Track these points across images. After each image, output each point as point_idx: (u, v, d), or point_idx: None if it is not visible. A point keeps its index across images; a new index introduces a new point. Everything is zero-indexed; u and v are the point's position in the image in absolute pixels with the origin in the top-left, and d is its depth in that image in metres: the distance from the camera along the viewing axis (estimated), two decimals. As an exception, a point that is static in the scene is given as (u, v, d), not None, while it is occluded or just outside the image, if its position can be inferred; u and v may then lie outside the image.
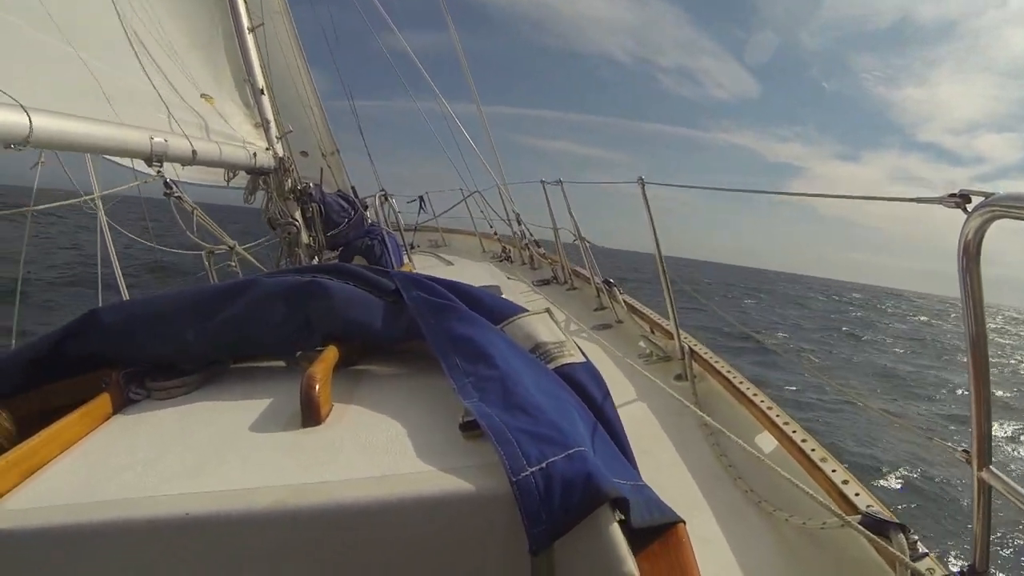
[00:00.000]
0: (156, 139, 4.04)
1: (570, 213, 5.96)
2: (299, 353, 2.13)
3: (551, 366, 1.76)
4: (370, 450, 1.47)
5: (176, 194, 4.16)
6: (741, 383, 3.41)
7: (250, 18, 6.42)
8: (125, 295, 6.54)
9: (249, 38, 6.28)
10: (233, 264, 4.68)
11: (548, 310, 2.10)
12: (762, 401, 3.14)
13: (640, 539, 1.25)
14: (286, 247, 5.91)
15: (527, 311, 2.04)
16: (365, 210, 7.55)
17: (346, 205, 7.06)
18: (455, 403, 1.60)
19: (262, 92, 6.12)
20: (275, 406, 1.81)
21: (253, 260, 5.09)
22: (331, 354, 1.90)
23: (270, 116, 6.10)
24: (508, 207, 7.93)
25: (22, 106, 3.05)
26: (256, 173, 5.68)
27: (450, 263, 7.98)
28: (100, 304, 4.14)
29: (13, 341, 5.13)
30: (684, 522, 1.33)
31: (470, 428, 1.46)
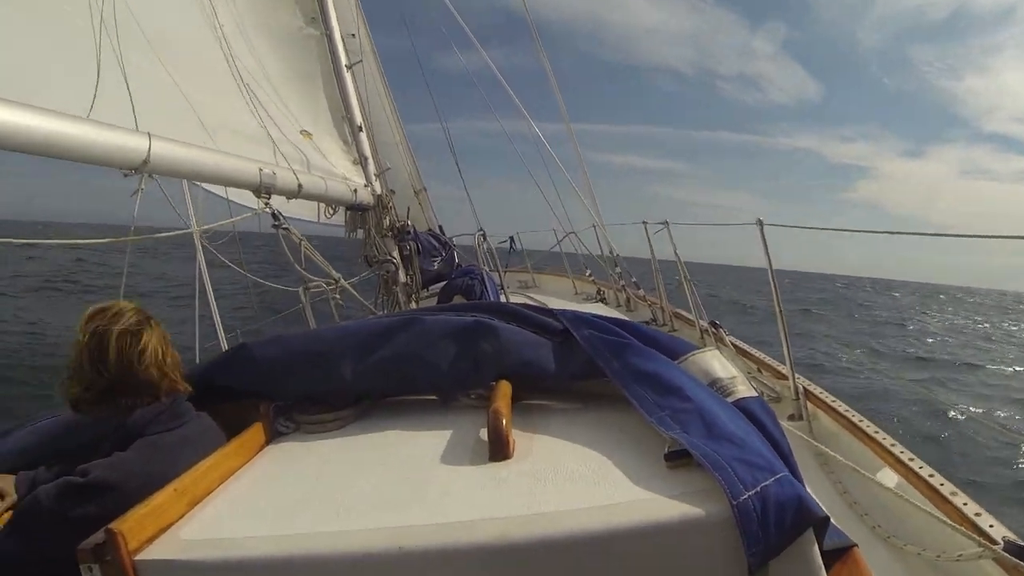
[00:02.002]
0: (265, 171, 3.92)
1: (676, 255, 5.63)
2: (473, 394, 2.10)
3: (729, 400, 1.79)
4: (576, 481, 1.48)
5: (284, 226, 4.02)
6: (860, 421, 3.32)
7: (348, 56, 6.38)
8: (220, 328, 6.42)
9: (347, 76, 6.23)
10: (337, 298, 4.51)
11: (717, 347, 2.05)
12: (884, 438, 3.06)
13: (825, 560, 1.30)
14: (383, 285, 5.72)
15: (699, 348, 2.03)
16: (454, 249, 7.42)
17: (437, 244, 6.94)
18: (646, 434, 1.65)
19: (360, 129, 6.06)
20: (451, 439, 1.83)
21: (357, 294, 4.91)
22: (506, 390, 1.90)
23: (368, 153, 6.03)
24: (605, 246, 7.60)
25: (147, 133, 2.98)
26: (356, 209, 5.55)
27: (543, 305, 7.61)
28: (196, 336, 4.07)
29: None
30: (857, 545, 1.42)
31: (676, 458, 1.48)
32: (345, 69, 6.23)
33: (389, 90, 9.18)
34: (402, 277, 5.77)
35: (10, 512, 1.99)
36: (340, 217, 6.07)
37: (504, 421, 1.67)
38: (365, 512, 1.44)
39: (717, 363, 1.94)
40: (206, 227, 6.12)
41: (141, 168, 2.95)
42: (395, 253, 5.79)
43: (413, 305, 5.78)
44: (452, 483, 1.54)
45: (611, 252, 7.52)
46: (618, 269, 7.30)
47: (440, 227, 8.95)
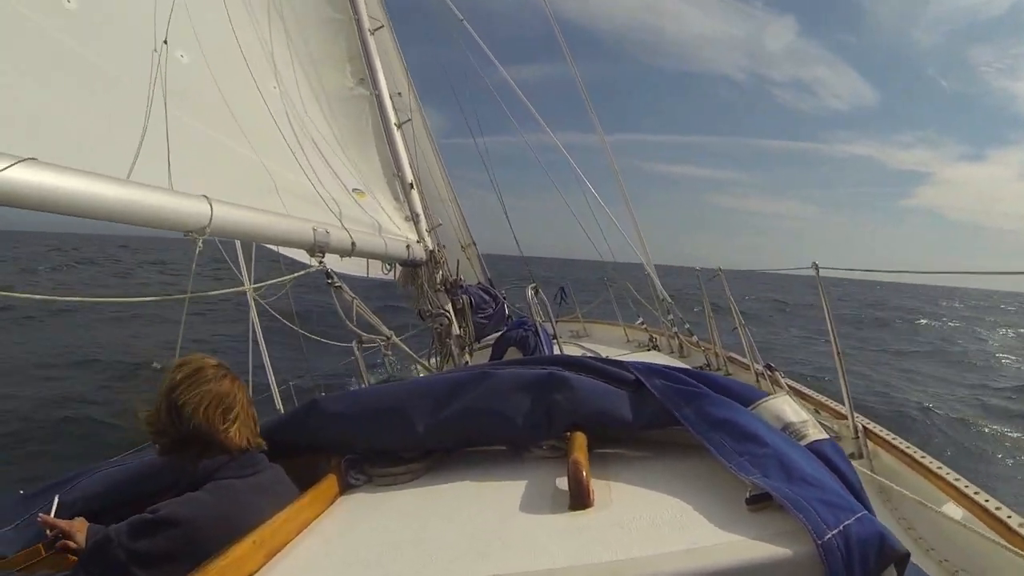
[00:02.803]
0: (319, 230, 3.97)
1: (731, 302, 5.54)
2: (546, 445, 2.12)
3: (802, 443, 1.81)
4: (660, 527, 1.50)
5: (336, 284, 4.05)
6: (923, 457, 3.28)
7: (397, 115, 6.50)
8: (273, 382, 6.45)
9: (397, 134, 6.34)
10: (389, 354, 4.53)
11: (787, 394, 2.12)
12: (947, 473, 3.01)
13: None
14: (437, 338, 5.74)
15: (770, 395, 2.05)
16: (504, 301, 7.41)
17: (488, 297, 6.95)
18: (724, 479, 1.68)
19: (412, 186, 6.13)
20: (527, 490, 1.85)
21: (408, 350, 4.93)
22: (582, 440, 1.91)
23: (419, 209, 6.09)
24: (656, 292, 7.50)
25: (206, 197, 3.05)
26: (409, 265, 5.58)
27: (596, 354, 7.59)
28: (249, 389, 4.11)
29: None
30: None
31: (757, 501, 1.51)
32: (395, 128, 6.35)
33: (436, 147, 9.32)
34: (456, 330, 5.76)
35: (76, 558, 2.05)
36: (392, 272, 6.13)
37: (584, 470, 1.69)
38: (450, 562, 1.45)
39: (788, 408, 1.97)
40: (260, 284, 6.21)
41: (202, 232, 3.01)
42: (448, 306, 5.80)
43: (467, 358, 5.76)
44: (534, 532, 1.55)
45: (663, 298, 7.40)
46: (670, 316, 7.17)
47: (489, 280, 8.96)
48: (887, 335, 31.63)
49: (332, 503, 1.96)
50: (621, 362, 2.18)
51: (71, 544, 1.99)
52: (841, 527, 1.33)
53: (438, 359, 5.88)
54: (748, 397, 2.01)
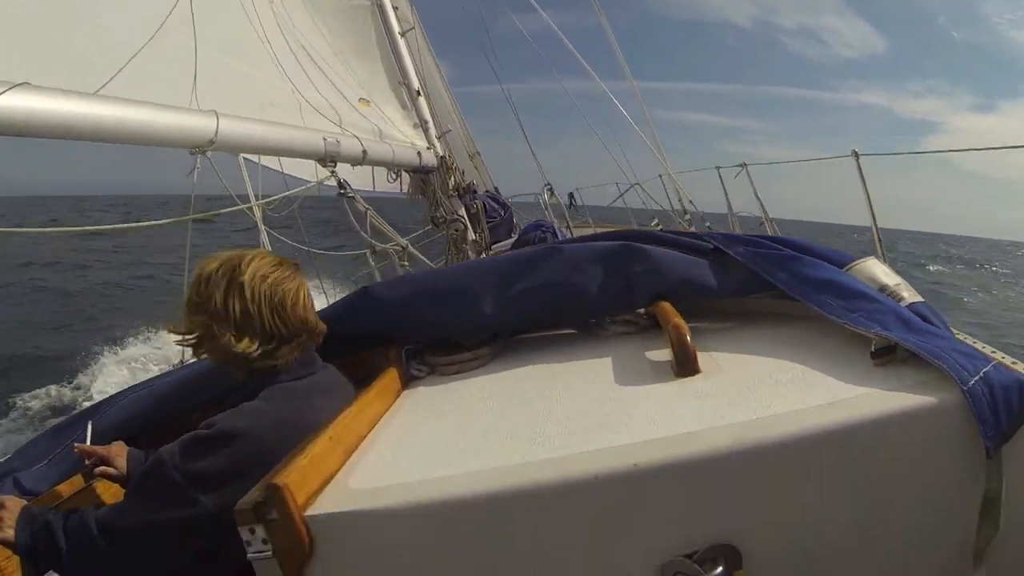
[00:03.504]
0: (329, 139, 3.88)
1: (757, 198, 5.39)
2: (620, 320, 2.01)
3: (902, 304, 1.71)
4: (785, 386, 1.41)
5: (350, 194, 3.99)
6: None
7: (399, 23, 6.28)
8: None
9: (401, 42, 6.13)
10: (406, 264, 4.46)
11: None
12: None
13: None
14: (452, 244, 5.68)
15: (858, 258, 1.94)
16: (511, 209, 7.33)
17: (496, 205, 6.87)
18: (835, 338, 1.60)
19: (418, 93, 5.97)
20: (616, 365, 1.72)
21: (423, 257, 4.86)
22: (671, 308, 1.78)
23: (428, 116, 5.94)
24: (675, 197, 7.20)
25: (214, 112, 2.97)
26: (421, 172, 5.50)
27: None
28: None
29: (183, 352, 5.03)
30: None
31: (883, 354, 1.44)
32: (398, 36, 6.14)
33: (436, 58, 9.05)
34: (471, 235, 5.70)
35: (119, 484, 1.97)
36: (387, 184, 6.06)
37: (688, 334, 1.59)
38: (562, 439, 1.34)
39: (880, 270, 1.87)
40: (265, 200, 6.12)
41: (208, 146, 2.94)
42: (462, 212, 5.72)
43: (484, 263, 5.72)
44: (645, 404, 1.45)
45: (679, 200, 7.22)
46: (687, 217, 6.98)
47: (496, 188, 8.85)
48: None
49: (397, 397, 1.86)
50: (695, 232, 2.06)
51: (111, 471, 1.91)
52: (981, 374, 1.28)
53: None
54: (838, 259, 1.90)
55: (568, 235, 6.12)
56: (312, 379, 1.76)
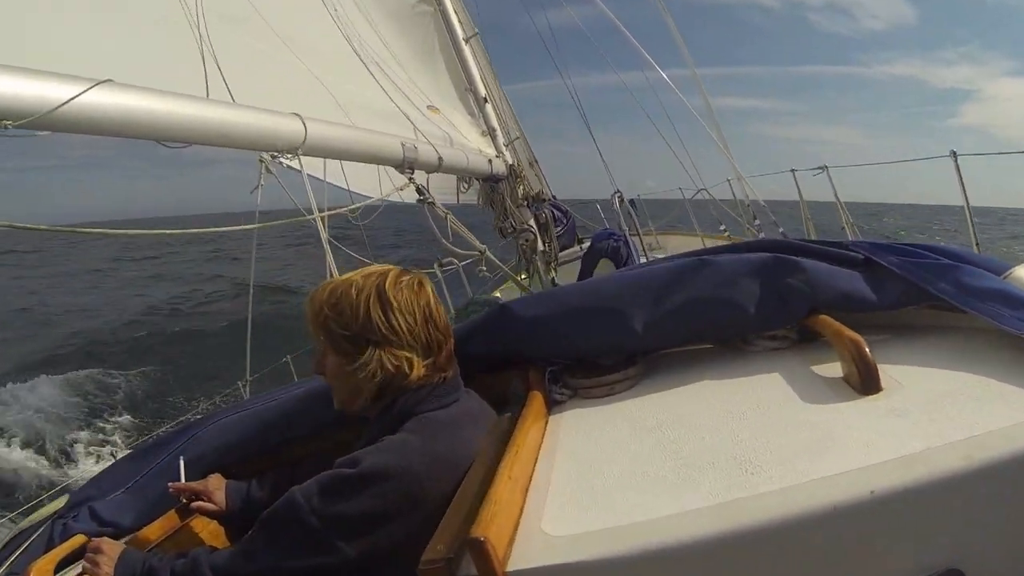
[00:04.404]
0: (407, 145, 3.64)
1: (837, 200, 5.05)
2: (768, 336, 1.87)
3: None
4: (986, 400, 1.30)
5: (430, 200, 3.74)
6: None
7: (463, 29, 6.06)
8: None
9: (466, 48, 5.91)
10: (484, 269, 4.22)
11: None
12: None
13: None
14: (523, 255, 5.42)
15: (1009, 264, 1.78)
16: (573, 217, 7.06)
17: (559, 213, 6.60)
18: (1009, 349, 1.48)
19: (485, 100, 5.74)
20: (781, 382, 1.60)
21: (501, 264, 4.61)
22: (833, 322, 1.65)
23: (495, 124, 5.71)
24: (744, 205, 6.78)
25: (298, 115, 2.74)
26: (492, 180, 5.24)
27: None
28: None
29: (247, 359, 4.83)
30: None
31: None
32: (463, 42, 5.92)
33: (493, 68, 8.82)
34: (540, 245, 5.42)
35: (218, 521, 1.80)
36: (467, 191, 5.80)
37: (869, 350, 1.44)
38: (772, 468, 1.20)
39: None
40: (330, 211, 5.92)
41: (296, 151, 2.71)
42: (531, 222, 5.45)
43: (552, 274, 5.44)
44: (842, 425, 1.32)
45: (747, 203, 6.83)
46: (757, 222, 6.59)
47: (554, 196, 8.57)
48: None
49: (546, 424, 1.67)
50: (842, 242, 1.91)
51: (209, 506, 1.74)
52: None
53: (528, 277, 5.56)
54: (994, 267, 1.74)
55: (637, 244, 5.82)
56: (458, 407, 1.57)
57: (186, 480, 1.81)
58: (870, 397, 1.41)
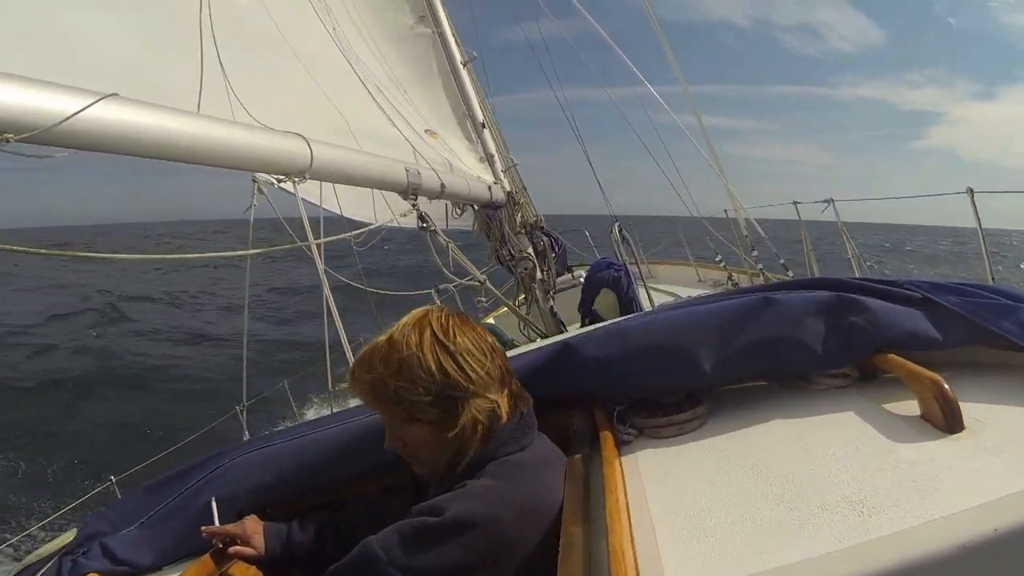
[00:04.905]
0: (411, 170, 3.52)
1: (843, 233, 4.99)
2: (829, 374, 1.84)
3: None
4: None
5: (432, 228, 3.63)
6: None
7: (462, 53, 5.97)
8: (344, 337, 6.11)
9: (463, 72, 5.82)
10: (483, 300, 4.13)
11: None
12: None
13: None
14: (521, 283, 5.32)
15: None
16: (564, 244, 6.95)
17: (551, 240, 6.49)
18: None
19: (483, 126, 5.63)
20: (856, 422, 1.58)
21: (498, 293, 4.51)
22: (902, 361, 1.64)
23: (493, 150, 5.60)
24: (742, 236, 6.70)
25: (302, 136, 2.60)
26: (491, 207, 5.13)
27: (676, 295, 7.09)
28: (326, 347, 3.73)
29: (244, 376, 4.66)
30: None
31: None
32: (461, 66, 5.83)
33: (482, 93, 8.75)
34: (539, 274, 5.31)
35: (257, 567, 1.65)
36: (460, 216, 5.68)
37: (950, 389, 1.44)
38: (884, 511, 1.17)
39: None
40: (330, 239, 5.79)
41: (302, 175, 2.57)
42: (530, 250, 5.34)
43: (551, 302, 5.31)
44: (935, 464, 1.30)
45: (745, 234, 6.74)
46: (755, 253, 6.52)
47: (542, 220, 8.47)
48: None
49: (621, 465, 1.60)
50: (897, 281, 1.91)
51: (247, 551, 1.61)
52: None
53: (526, 305, 5.43)
54: None
55: (636, 272, 5.71)
56: (533, 450, 1.48)
57: (220, 522, 1.67)
58: (955, 436, 1.40)
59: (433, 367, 1.38)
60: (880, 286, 1.89)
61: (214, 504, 1.70)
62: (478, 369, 1.42)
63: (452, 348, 1.41)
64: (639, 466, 1.61)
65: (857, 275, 5.04)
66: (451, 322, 1.45)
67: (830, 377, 1.83)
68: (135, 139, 1.89)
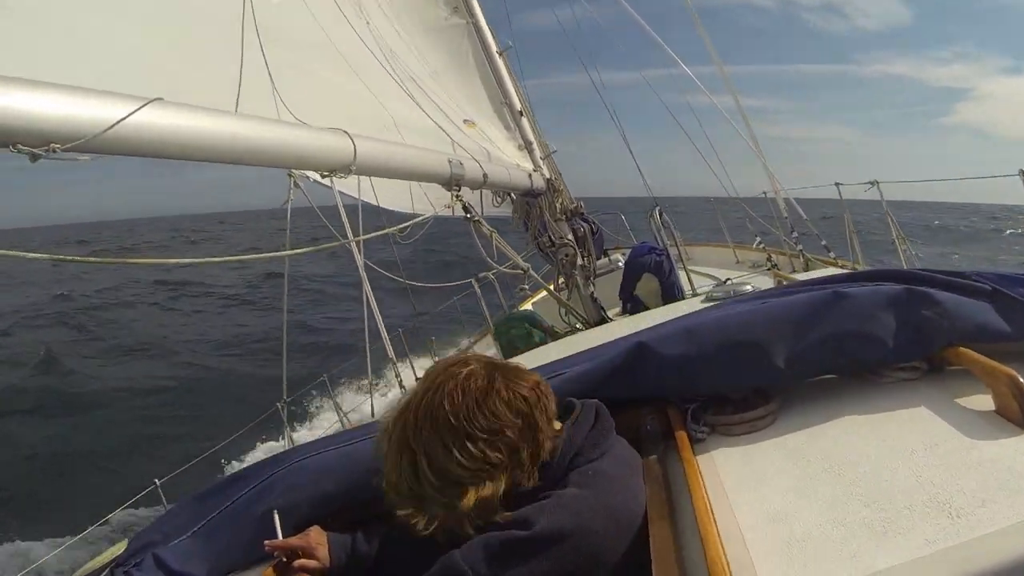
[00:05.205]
0: (453, 162, 3.48)
1: (889, 216, 4.82)
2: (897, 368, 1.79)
3: None
4: None
5: (476, 218, 3.60)
6: None
7: (497, 42, 5.91)
8: (383, 331, 6.09)
9: (499, 61, 5.76)
10: (526, 288, 4.07)
11: None
12: None
13: None
14: (562, 269, 5.24)
15: None
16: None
17: (588, 226, 6.42)
18: None
19: (521, 114, 5.56)
20: (932, 415, 1.54)
21: (542, 281, 4.44)
22: (976, 354, 1.60)
23: (532, 137, 5.53)
24: (783, 216, 6.57)
25: (345, 132, 2.56)
26: (530, 195, 5.06)
27: (716, 277, 6.90)
28: (366, 341, 3.70)
29: (284, 370, 4.63)
30: None
31: None
32: (497, 55, 5.77)
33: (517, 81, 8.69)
34: (579, 260, 5.23)
35: None
36: (502, 204, 5.63)
37: None
38: (973, 511, 1.14)
39: None
40: (366, 236, 5.76)
41: (347, 169, 2.54)
42: (570, 236, 5.26)
43: (592, 288, 5.23)
44: (1017, 460, 1.26)
45: (784, 215, 6.57)
46: (795, 234, 6.34)
47: (581, 205, 8.39)
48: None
49: (699, 466, 1.56)
50: (965, 272, 1.87)
51: (311, 563, 1.52)
52: None
53: (566, 290, 5.36)
54: None
55: (676, 255, 5.61)
56: (612, 455, 1.42)
57: (282, 534, 1.59)
58: None
59: (486, 417, 1.31)
60: (948, 278, 1.84)
61: (276, 517, 1.62)
62: (526, 408, 1.34)
63: (498, 390, 1.34)
64: (717, 467, 1.57)
65: (902, 258, 4.90)
66: (478, 372, 1.37)
67: (899, 370, 1.79)
68: (181, 142, 1.88)
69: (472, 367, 1.36)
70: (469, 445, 1.27)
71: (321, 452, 1.87)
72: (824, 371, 1.85)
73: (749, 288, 3.47)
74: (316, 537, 1.56)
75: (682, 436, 1.63)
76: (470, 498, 1.25)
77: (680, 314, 2.32)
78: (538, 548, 1.18)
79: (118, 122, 1.65)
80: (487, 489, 1.27)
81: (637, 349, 1.81)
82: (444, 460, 1.27)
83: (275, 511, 1.63)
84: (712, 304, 3.08)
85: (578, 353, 1.99)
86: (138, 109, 1.72)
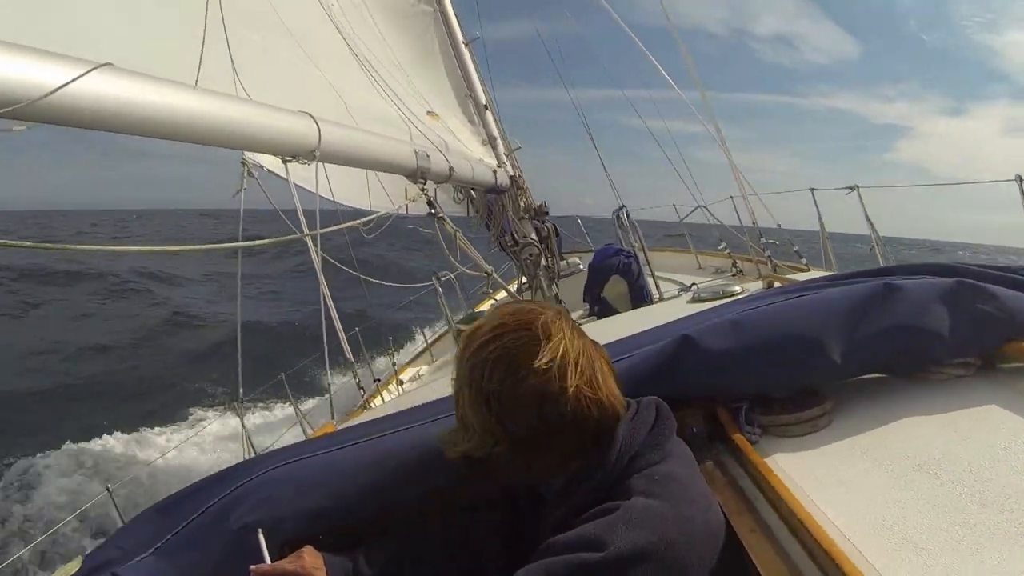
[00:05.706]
0: (419, 152, 3.32)
1: (868, 221, 4.81)
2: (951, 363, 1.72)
3: None
4: None
5: (440, 215, 3.42)
6: None
7: (464, 32, 5.75)
8: (340, 329, 5.84)
9: (465, 52, 5.60)
10: (489, 290, 3.94)
11: None
12: None
13: None
14: (524, 270, 5.11)
15: None
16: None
17: (553, 226, 6.31)
18: None
19: (485, 107, 5.42)
20: (1001, 413, 1.49)
21: (505, 286, 4.33)
22: None
23: (496, 132, 5.37)
24: (746, 217, 6.53)
25: (310, 115, 2.39)
26: (494, 192, 4.91)
27: (680, 283, 6.82)
28: (324, 338, 3.52)
29: (239, 370, 4.35)
30: None
31: None
32: (463, 45, 5.61)
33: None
34: (543, 260, 5.11)
35: None
36: (463, 202, 5.48)
37: None
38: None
39: None
40: (326, 230, 5.51)
41: (311, 155, 2.36)
42: (534, 235, 5.14)
43: (555, 289, 5.12)
44: None
45: (753, 222, 6.50)
46: (763, 240, 6.26)
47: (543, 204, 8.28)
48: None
49: (770, 470, 1.45)
50: (1009, 267, 1.83)
51: None
52: None
53: (531, 293, 5.23)
54: None
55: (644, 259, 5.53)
56: (676, 457, 1.24)
57: (269, 557, 1.32)
58: None
59: (545, 398, 1.15)
60: (995, 272, 1.79)
61: (261, 538, 1.35)
62: (595, 377, 1.19)
63: (566, 357, 1.17)
64: (788, 470, 1.45)
65: (874, 242, 4.90)
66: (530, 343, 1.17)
67: (950, 367, 1.71)
68: (132, 115, 1.70)
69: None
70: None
71: (298, 460, 1.63)
72: (877, 367, 1.77)
73: (738, 289, 3.37)
74: (311, 560, 1.30)
75: (740, 439, 1.53)
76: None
77: (667, 316, 2.21)
78: (613, 570, 0.99)
79: (60, 87, 1.47)
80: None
81: (683, 341, 1.65)
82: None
83: (259, 529, 1.37)
84: (702, 305, 2.98)
85: (619, 344, 1.85)
86: (85, 74, 1.55)
